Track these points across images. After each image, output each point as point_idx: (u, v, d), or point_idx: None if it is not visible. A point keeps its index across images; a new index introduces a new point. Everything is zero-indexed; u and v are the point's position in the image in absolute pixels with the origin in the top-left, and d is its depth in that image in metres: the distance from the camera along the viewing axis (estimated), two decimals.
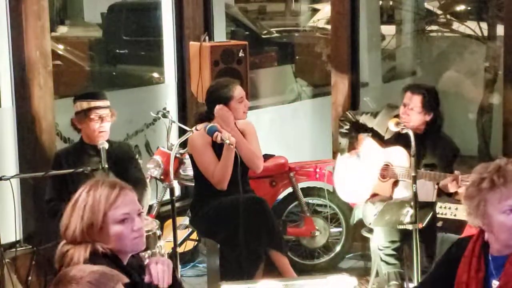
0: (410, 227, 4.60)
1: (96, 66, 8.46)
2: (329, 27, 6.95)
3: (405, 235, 4.94)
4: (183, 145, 5.56)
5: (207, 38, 5.99)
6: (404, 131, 4.79)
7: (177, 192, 6.37)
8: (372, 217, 5.07)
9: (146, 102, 6.64)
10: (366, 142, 5.33)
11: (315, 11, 10.49)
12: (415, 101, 5.07)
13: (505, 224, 2.95)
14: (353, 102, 6.34)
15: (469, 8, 9.08)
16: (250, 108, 6.87)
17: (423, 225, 4.74)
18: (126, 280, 2.49)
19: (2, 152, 5.53)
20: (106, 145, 4.89)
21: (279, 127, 7.64)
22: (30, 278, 5.38)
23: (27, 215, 5.53)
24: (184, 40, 6.65)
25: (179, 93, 6.81)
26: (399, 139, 5.12)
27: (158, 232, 4.86)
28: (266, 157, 5.94)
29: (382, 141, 5.27)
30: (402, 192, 5.11)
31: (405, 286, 5.08)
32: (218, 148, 5.15)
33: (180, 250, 5.36)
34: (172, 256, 4.61)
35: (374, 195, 5.27)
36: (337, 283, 3.96)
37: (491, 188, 2.96)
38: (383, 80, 8.23)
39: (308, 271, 5.89)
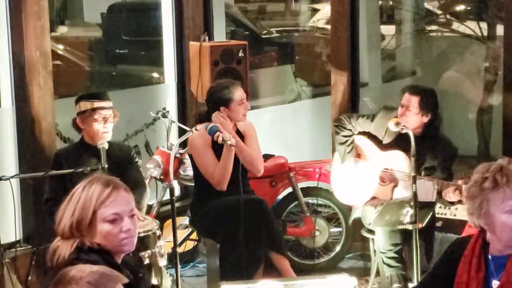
0: (410, 227, 4.60)
1: (96, 66, 8.47)
2: (329, 27, 6.95)
3: (405, 236, 4.94)
4: (183, 145, 5.56)
5: (207, 38, 5.99)
6: (404, 131, 4.79)
7: (177, 192, 6.37)
8: (372, 218, 5.08)
9: (146, 102, 6.64)
10: (366, 146, 5.33)
11: (315, 11, 10.49)
12: (412, 102, 5.07)
13: (507, 224, 2.94)
14: (353, 102, 6.33)
15: (469, 8, 9.08)
16: (250, 108, 6.89)
17: (423, 225, 4.74)
18: (126, 280, 2.48)
19: (2, 152, 5.53)
20: (106, 145, 4.89)
21: (279, 127, 7.64)
22: (30, 278, 5.38)
23: (27, 215, 5.52)
24: (184, 40, 6.65)
25: (179, 93, 6.80)
26: (398, 142, 5.12)
27: (158, 232, 4.86)
28: (266, 157, 5.94)
29: (381, 144, 5.27)
30: (402, 192, 5.11)
31: (409, 287, 5.08)
32: (217, 148, 5.15)
33: (180, 250, 5.36)
34: (172, 256, 4.62)
35: (373, 198, 5.27)
36: (337, 283, 3.96)
37: (494, 188, 2.94)
38: (383, 80, 8.23)
39: (308, 271, 5.89)
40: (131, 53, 8.35)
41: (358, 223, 5.53)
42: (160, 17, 6.88)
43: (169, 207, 5.29)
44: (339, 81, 6.28)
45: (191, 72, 6.01)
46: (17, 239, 5.39)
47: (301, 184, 6.06)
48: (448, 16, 8.97)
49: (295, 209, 6.08)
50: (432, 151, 5.08)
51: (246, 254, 4.91)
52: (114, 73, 8.24)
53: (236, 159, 5.08)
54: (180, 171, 5.86)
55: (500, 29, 7.62)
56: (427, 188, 4.78)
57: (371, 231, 5.26)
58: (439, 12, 9.10)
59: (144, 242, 4.70)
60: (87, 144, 5.04)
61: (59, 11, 8.80)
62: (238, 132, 5.27)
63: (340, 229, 6.09)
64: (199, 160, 5.19)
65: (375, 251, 5.25)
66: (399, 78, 8.72)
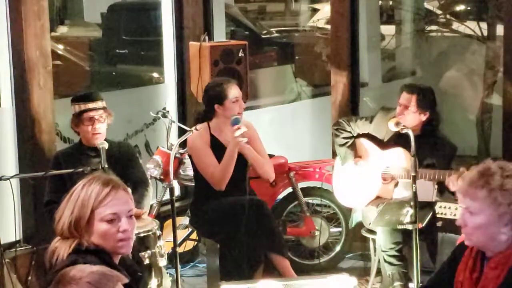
0: (410, 227, 4.60)
1: (96, 66, 8.46)
2: (329, 27, 6.95)
3: (407, 236, 4.94)
4: (183, 145, 5.56)
5: (206, 38, 5.98)
6: (404, 131, 4.80)
7: (177, 192, 6.37)
8: (373, 218, 5.08)
9: (146, 102, 6.64)
10: (366, 147, 5.33)
11: (315, 11, 10.49)
12: (410, 100, 5.08)
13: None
14: (353, 102, 6.33)
15: (468, 8, 9.08)
16: (250, 108, 6.89)
17: (423, 225, 4.75)
18: (126, 280, 2.48)
19: (1, 152, 5.53)
20: (106, 145, 4.89)
21: (279, 127, 7.64)
22: (29, 278, 5.39)
23: (27, 215, 5.52)
24: (184, 40, 6.65)
25: (178, 93, 6.81)
26: (398, 141, 5.12)
27: (158, 232, 4.86)
28: None
29: (381, 144, 5.27)
30: (402, 192, 5.11)
31: (409, 286, 5.08)
32: (216, 149, 5.15)
33: (179, 250, 5.37)
34: (172, 256, 4.62)
35: (376, 197, 5.27)
36: (337, 283, 3.96)
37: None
38: (383, 80, 8.22)
39: (308, 271, 5.88)
40: (131, 53, 8.35)
41: (359, 222, 5.53)
42: (160, 17, 6.89)
43: (169, 207, 5.30)
44: (339, 81, 6.28)
45: (191, 72, 6.01)
46: (17, 239, 5.39)
47: (301, 184, 6.06)
48: (448, 16, 8.97)
49: (295, 209, 6.08)
50: (431, 149, 5.09)
51: (246, 254, 4.91)
52: (114, 73, 8.24)
53: (238, 158, 5.09)
54: (180, 171, 5.86)
55: (500, 29, 7.61)
56: (427, 188, 4.78)
57: (371, 231, 5.26)
58: (439, 12, 9.09)
59: (144, 242, 4.70)
60: (85, 145, 5.05)
61: (59, 11, 8.80)
62: None
63: (340, 229, 6.09)
64: (198, 160, 5.19)
65: (375, 251, 5.25)
66: (399, 78, 8.71)
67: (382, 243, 5.07)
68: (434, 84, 8.24)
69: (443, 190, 4.94)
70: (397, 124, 4.91)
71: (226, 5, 8.25)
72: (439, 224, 5.46)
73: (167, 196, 5.49)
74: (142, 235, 4.67)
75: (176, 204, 4.91)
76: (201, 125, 5.13)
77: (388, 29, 8.94)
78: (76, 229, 2.86)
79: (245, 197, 5.02)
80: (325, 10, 9.45)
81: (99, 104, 5.01)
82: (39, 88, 5.45)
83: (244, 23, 9.60)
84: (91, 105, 4.98)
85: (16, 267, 5.33)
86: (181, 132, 6.27)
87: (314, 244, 6.01)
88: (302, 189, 6.02)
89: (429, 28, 8.90)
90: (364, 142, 5.36)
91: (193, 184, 5.57)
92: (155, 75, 7.51)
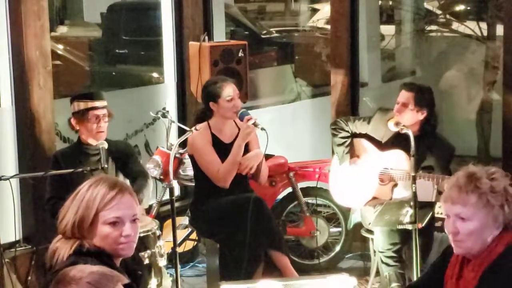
0: (409, 227, 4.60)
1: (96, 66, 8.46)
2: (328, 27, 6.94)
3: (404, 236, 4.95)
4: (183, 145, 5.56)
5: (206, 38, 5.98)
6: (403, 131, 4.81)
7: (177, 192, 6.37)
8: (372, 218, 5.08)
9: (146, 102, 6.64)
10: (364, 147, 5.34)
11: (314, 11, 10.49)
12: (407, 98, 5.09)
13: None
14: (353, 102, 6.33)
15: (468, 8, 9.08)
16: (250, 108, 6.88)
17: (423, 225, 4.75)
18: (126, 280, 2.47)
19: (1, 152, 5.53)
20: (106, 145, 4.89)
21: (279, 127, 7.63)
22: (29, 278, 5.39)
23: (27, 215, 5.52)
24: (184, 40, 6.65)
25: (178, 93, 6.81)
26: (396, 142, 5.13)
27: (158, 232, 4.86)
28: (266, 157, 5.93)
29: (379, 145, 5.27)
30: (402, 192, 5.11)
31: None
32: (218, 147, 5.16)
33: (179, 250, 5.36)
34: (172, 256, 4.62)
35: (373, 198, 5.28)
36: (337, 283, 3.96)
37: None
38: (383, 80, 8.22)
39: (307, 271, 5.88)
40: (131, 53, 8.35)
41: (358, 223, 5.53)
42: (160, 17, 6.89)
43: (168, 207, 5.30)
44: (339, 81, 6.28)
45: (190, 72, 6.02)
46: (17, 239, 5.39)
47: (301, 184, 6.06)
48: (448, 16, 8.97)
49: (295, 209, 6.08)
50: (430, 150, 5.09)
51: (246, 254, 4.91)
52: (114, 73, 8.24)
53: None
54: (180, 171, 5.86)
55: (500, 29, 7.61)
56: (426, 188, 4.78)
57: (370, 231, 5.26)
58: (439, 12, 9.09)
59: (144, 242, 4.70)
60: (84, 144, 5.04)
61: (59, 11, 8.79)
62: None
63: (339, 229, 6.09)
64: (201, 159, 5.19)
65: (375, 251, 5.25)
66: (399, 78, 8.70)
67: (379, 244, 5.08)
68: (434, 84, 8.24)
69: (441, 193, 4.94)
70: (397, 124, 4.92)
71: (226, 5, 8.25)
72: (438, 224, 5.46)
73: (166, 196, 5.49)
74: (142, 235, 4.66)
75: (176, 204, 4.90)
76: (200, 125, 5.13)
77: (388, 29, 8.94)
78: (79, 229, 2.85)
79: (243, 195, 5.02)
80: (325, 10, 9.45)
81: (103, 102, 5.03)
82: (39, 88, 5.45)
83: (244, 23, 9.60)
84: (97, 103, 4.99)
85: (16, 267, 5.34)
86: (181, 132, 6.27)
87: (313, 244, 6.01)
88: (302, 189, 6.02)
89: (429, 28, 8.89)
90: (362, 142, 5.36)
91: (193, 184, 5.57)
92: (155, 75, 7.51)
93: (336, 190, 5.51)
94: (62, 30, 8.70)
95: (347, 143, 5.36)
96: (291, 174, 5.99)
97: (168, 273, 5.10)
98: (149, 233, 4.78)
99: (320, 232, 5.99)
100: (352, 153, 5.38)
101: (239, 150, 5.08)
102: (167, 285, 4.91)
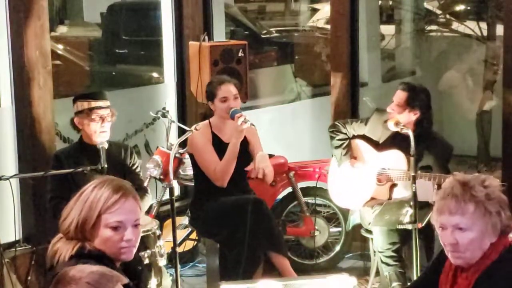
0: (409, 226, 4.60)
1: (96, 66, 8.46)
2: (328, 27, 6.95)
3: (404, 236, 4.95)
4: (183, 145, 5.56)
5: (206, 37, 5.98)
6: (403, 131, 4.81)
7: (177, 192, 6.37)
8: (371, 219, 5.08)
9: (146, 101, 6.64)
10: (362, 148, 5.35)
11: (314, 11, 10.49)
12: (400, 97, 5.11)
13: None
14: (353, 102, 6.33)
15: (468, 8, 9.08)
16: (250, 108, 6.88)
17: (423, 225, 4.75)
18: (126, 280, 2.48)
19: (1, 152, 5.53)
20: (106, 145, 4.88)
21: (279, 127, 7.64)
22: (29, 278, 5.38)
23: (27, 215, 5.52)
24: (184, 39, 6.65)
25: (178, 93, 6.81)
26: (394, 142, 5.14)
27: (158, 232, 4.86)
28: None
29: (377, 146, 5.28)
30: (402, 192, 5.12)
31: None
32: (218, 146, 5.16)
33: (179, 250, 5.36)
34: (172, 256, 4.62)
35: (371, 198, 5.29)
36: (337, 283, 3.96)
37: None
38: (383, 80, 8.23)
39: (307, 271, 5.88)
40: (130, 53, 8.34)
41: (356, 224, 5.54)
42: (160, 17, 6.89)
43: (168, 207, 5.29)
44: (339, 81, 6.28)
45: (190, 72, 6.02)
46: (17, 239, 5.39)
47: (301, 184, 6.06)
48: (447, 16, 8.97)
49: (294, 209, 6.08)
50: (427, 150, 5.10)
51: (246, 254, 4.91)
52: (114, 73, 8.23)
53: (238, 158, 5.09)
54: (180, 171, 5.86)
55: (500, 29, 7.62)
56: (426, 188, 4.78)
57: (370, 231, 5.27)
58: (438, 12, 9.10)
59: (144, 242, 4.69)
60: (86, 144, 5.04)
61: (59, 11, 8.79)
62: None
63: (339, 229, 6.09)
64: (200, 158, 5.19)
65: (374, 251, 5.25)
66: (399, 78, 8.71)
67: (378, 244, 5.08)
68: (434, 84, 8.25)
69: None
70: (397, 123, 4.94)
71: (226, 5, 8.25)
72: None
73: (166, 196, 5.49)
74: (141, 235, 4.64)
75: (176, 204, 4.90)
76: (200, 125, 5.14)
77: (388, 29, 8.95)
78: (81, 231, 2.84)
79: (244, 196, 5.02)
80: (325, 10, 9.45)
81: (107, 102, 5.03)
82: (39, 88, 5.45)
83: (244, 23, 9.59)
84: (100, 103, 4.98)
85: (16, 267, 5.34)
86: (181, 132, 6.28)
87: (314, 244, 6.01)
88: (302, 189, 6.02)
89: (428, 28, 8.90)
90: (359, 144, 5.38)
91: (193, 184, 5.57)
92: (155, 75, 7.51)
93: (334, 191, 5.52)
94: (62, 30, 8.70)
95: (344, 145, 5.38)
96: (291, 174, 5.99)
97: (168, 273, 5.10)
98: (149, 233, 4.78)
99: (320, 232, 5.99)
100: (350, 154, 5.38)
101: (234, 149, 5.08)
102: (167, 285, 4.91)
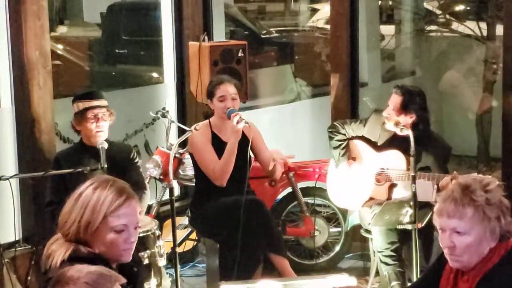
0: (409, 227, 4.60)
1: (96, 66, 8.46)
2: (328, 27, 6.94)
3: (403, 236, 4.95)
4: (183, 145, 5.57)
5: (206, 38, 5.98)
6: (403, 132, 4.82)
7: (177, 192, 6.36)
8: (370, 219, 5.08)
9: (146, 102, 6.64)
10: (361, 148, 5.35)
11: (314, 11, 10.50)
12: (395, 101, 5.11)
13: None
14: (353, 102, 6.33)
15: (468, 8, 9.08)
16: (250, 108, 6.88)
17: (422, 225, 4.75)
18: (124, 280, 2.47)
19: (1, 152, 5.53)
20: (106, 145, 4.88)
21: (279, 127, 7.64)
22: (29, 278, 5.38)
23: (26, 215, 5.52)
24: (184, 40, 6.65)
25: (178, 93, 6.81)
26: (392, 142, 5.15)
27: (158, 232, 4.86)
28: None
29: (375, 146, 5.29)
30: (401, 192, 5.12)
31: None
32: (217, 146, 5.16)
33: (179, 250, 5.37)
34: (172, 256, 4.62)
35: (370, 198, 5.29)
36: (337, 283, 3.96)
37: None
38: (383, 80, 8.23)
39: (307, 271, 5.88)
40: (130, 53, 8.34)
41: (356, 224, 5.54)
42: (160, 17, 6.89)
43: (168, 207, 5.29)
44: (339, 81, 6.28)
45: (190, 72, 6.02)
46: (17, 239, 5.39)
47: (301, 184, 6.06)
48: (447, 16, 8.97)
49: (294, 209, 6.07)
50: (426, 151, 5.10)
51: (246, 254, 4.91)
52: (113, 73, 8.23)
53: (238, 158, 5.10)
54: (180, 171, 5.86)
55: (499, 29, 7.61)
56: (426, 188, 4.78)
57: (370, 231, 5.27)
58: (438, 12, 9.09)
59: (143, 242, 4.69)
60: (86, 145, 5.04)
61: (59, 11, 8.78)
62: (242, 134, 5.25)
63: (339, 229, 6.09)
64: (199, 157, 5.20)
65: (374, 251, 5.25)
66: (398, 78, 8.71)
67: (377, 244, 5.09)
68: (434, 84, 8.25)
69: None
70: (397, 124, 4.94)
71: (226, 5, 8.25)
72: None
73: (166, 196, 5.49)
74: (141, 235, 4.66)
75: (176, 204, 4.90)
76: (200, 125, 5.14)
77: (387, 29, 8.95)
78: (84, 233, 2.82)
79: (244, 196, 5.03)
80: (324, 10, 9.45)
81: (103, 102, 5.02)
82: (38, 88, 5.45)
83: (243, 23, 9.60)
84: (95, 103, 4.98)
85: (16, 267, 5.33)
86: (181, 132, 6.28)
87: (313, 244, 6.00)
88: (302, 189, 6.02)
89: (428, 28, 8.90)
90: (358, 144, 5.39)
91: (193, 184, 5.57)
92: (155, 75, 7.50)
93: (333, 191, 5.53)
94: (62, 30, 8.70)
95: (343, 146, 5.39)
96: (291, 174, 5.99)
97: (167, 273, 5.10)
98: (149, 233, 4.78)
99: (319, 232, 5.99)
100: (349, 155, 5.39)
101: (232, 148, 5.08)
102: (166, 285, 4.91)
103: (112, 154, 4.98)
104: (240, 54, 5.81)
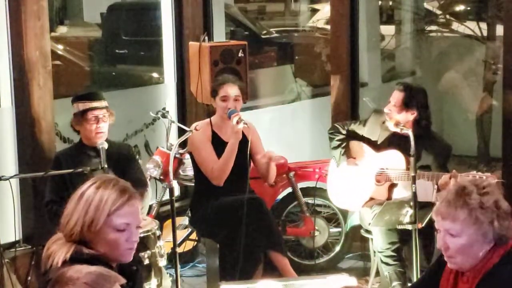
0: (409, 227, 4.60)
1: (96, 66, 8.46)
2: (328, 27, 6.95)
3: (403, 236, 4.95)
4: (183, 145, 5.57)
5: (206, 38, 5.98)
6: (403, 132, 4.82)
7: (177, 192, 6.36)
8: (370, 219, 5.09)
9: (146, 102, 6.64)
10: (361, 148, 5.36)
11: (314, 11, 10.50)
12: (397, 97, 5.12)
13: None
14: (353, 102, 6.33)
15: (468, 8, 9.09)
16: (250, 108, 6.88)
17: (423, 225, 4.75)
18: (123, 281, 2.47)
19: (1, 152, 5.53)
20: (106, 145, 4.88)
21: (279, 127, 7.64)
22: (29, 278, 5.38)
23: (27, 215, 5.52)
24: (184, 40, 6.65)
25: (178, 93, 6.81)
26: (392, 142, 5.15)
27: (158, 232, 4.86)
28: None
29: (375, 146, 5.29)
30: (402, 192, 5.12)
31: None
32: (217, 145, 5.16)
33: (179, 250, 5.36)
34: (172, 256, 4.62)
35: (370, 199, 5.30)
36: (337, 283, 3.96)
37: None
38: (383, 80, 8.23)
39: (307, 271, 5.88)
40: (130, 53, 8.34)
41: (355, 225, 5.54)
42: (160, 17, 6.89)
43: (168, 207, 5.29)
44: (339, 81, 6.28)
45: (190, 72, 6.02)
46: (17, 239, 5.39)
47: (301, 184, 6.06)
48: (447, 16, 8.97)
49: (294, 209, 6.07)
50: (426, 150, 5.11)
51: (246, 254, 4.91)
52: (113, 73, 8.23)
53: (238, 158, 5.10)
54: (180, 171, 5.86)
55: (500, 29, 7.61)
56: (426, 188, 4.79)
57: (370, 232, 5.27)
58: (438, 12, 9.10)
59: (143, 242, 4.69)
60: (86, 145, 5.04)
61: (59, 11, 8.79)
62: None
63: (339, 229, 6.09)
64: (198, 156, 5.21)
65: (374, 252, 5.25)
66: (398, 78, 8.71)
67: (378, 244, 5.09)
68: (434, 84, 8.25)
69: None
70: (397, 124, 4.95)
71: (226, 5, 8.25)
72: None
73: (166, 196, 5.49)
74: (141, 235, 4.66)
75: (176, 204, 4.90)
76: (200, 125, 5.14)
77: (387, 29, 8.95)
78: (88, 233, 2.81)
79: (243, 196, 5.03)
80: (325, 10, 9.45)
81: (103, 103, 5.02)
82: (38, 88, 5.45)
83: (244, 23, 9.59)
84: (95, 104, 4.98)
85: (16, 267, 5.33)
86: (181, 132, 6.27)
87: (313, 244, 6.00)
88: (302, 189, 6.02)
89: (428, 28, 8.90)
90: (358, 144, 5.38)
91: (193, 184, 5.57)
92: (155, 75, 7.50)
93: (333, 192, 5.53)
94: (62, 30, 8.69)
95: (343, 145, 5.39)
96: (291, 174, 5.99)
97: (168, 273, 5.10)
98: (149, 233, 4.78)
99: (320, 232, 5.99)
100: (349, 155, 5.39)
101: (232, 149, 5.08)
102: (167, 285, 4.91)
103: (112, 154, 4.98)
104: (240, 54, 5.81)
